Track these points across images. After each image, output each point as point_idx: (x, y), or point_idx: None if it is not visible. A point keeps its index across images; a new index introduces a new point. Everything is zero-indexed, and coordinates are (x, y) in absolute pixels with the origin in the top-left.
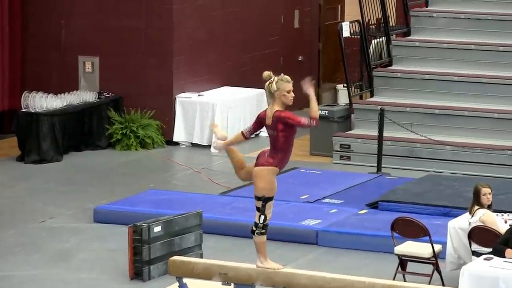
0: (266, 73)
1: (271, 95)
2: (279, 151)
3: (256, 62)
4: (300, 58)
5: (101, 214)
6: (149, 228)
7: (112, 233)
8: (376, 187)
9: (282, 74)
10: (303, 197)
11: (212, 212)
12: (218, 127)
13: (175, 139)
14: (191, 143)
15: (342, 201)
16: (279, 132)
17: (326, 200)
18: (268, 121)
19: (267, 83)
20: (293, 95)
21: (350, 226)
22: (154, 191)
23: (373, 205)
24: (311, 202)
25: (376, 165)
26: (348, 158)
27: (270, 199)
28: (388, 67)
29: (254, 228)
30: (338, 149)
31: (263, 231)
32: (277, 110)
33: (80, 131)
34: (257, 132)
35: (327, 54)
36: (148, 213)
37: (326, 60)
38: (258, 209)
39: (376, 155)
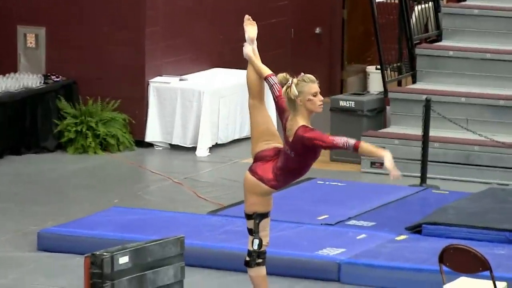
0: (280, 76)
1: (292, 103)
2: (288, 173)
3: (256, 36)
4: (317, 31)
5: (48, 239)
6: (112, 259)
7: (62, 265)
8: (420, 205)
9: (303, 74)
10: (321, 217)
11: (198, 237)
12: (253, 24)
13: (148, 139)
14: (170, 144)
15: (373, 223)
16: (297, 155)
17: (352, 222)
18: (288, 135)
19: (284, 88)
20: (322, 98)
21: (385, 257)
22: (119, 208)
23: (416, 229)
24: (331, 225)
25: (419, 175)
26: (382, 165)
27: (264, 215)
28: (437, 43)
29: (247, 259)
30: None
31: (260, 260)
32: (301, 127)
33: (19, 128)
34: None
35: (354, 25)
36: (111, 238)
37: (352, 33)
38: (250, 231)
39: (420, 162)
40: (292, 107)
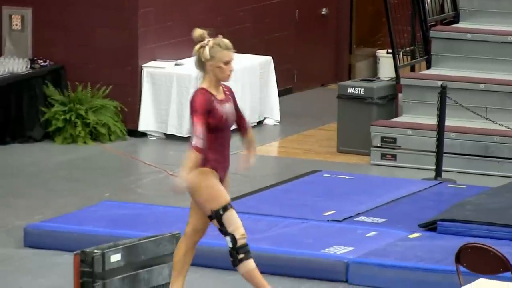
0: (198, 32)
1: (201, 64)
2: (206, 148)
3: (258, 18)
4: (324, 11)
5: (35, 235)
6: (103, 257)
7: (50, 263)
8: (434, 200)
9: (221, 37)
10: (328, 213)
11: None
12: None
13: (141, 128)
14: (165, 133)
15: (384, 219)
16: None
17: (361, 218)
18: None
19: (198, 46)
20: (232, 68)
21: (396, 257)
22: (110, 202)
23: (430, 226)
24: (338, 221)
25: (434, 167)
26: (393, 157)
27: (224, 209)
28: (453, 25)
29: (231, 259)
30: (379, 145)
31: (242, 256)
32: (198, 89)
33: (4, 116)
34: (261, 119)
35: (363, 5)
36: (102, 234)
37: (362, 14)
38: (221, 232)
39: (435, 154)
40: (200, 68)
